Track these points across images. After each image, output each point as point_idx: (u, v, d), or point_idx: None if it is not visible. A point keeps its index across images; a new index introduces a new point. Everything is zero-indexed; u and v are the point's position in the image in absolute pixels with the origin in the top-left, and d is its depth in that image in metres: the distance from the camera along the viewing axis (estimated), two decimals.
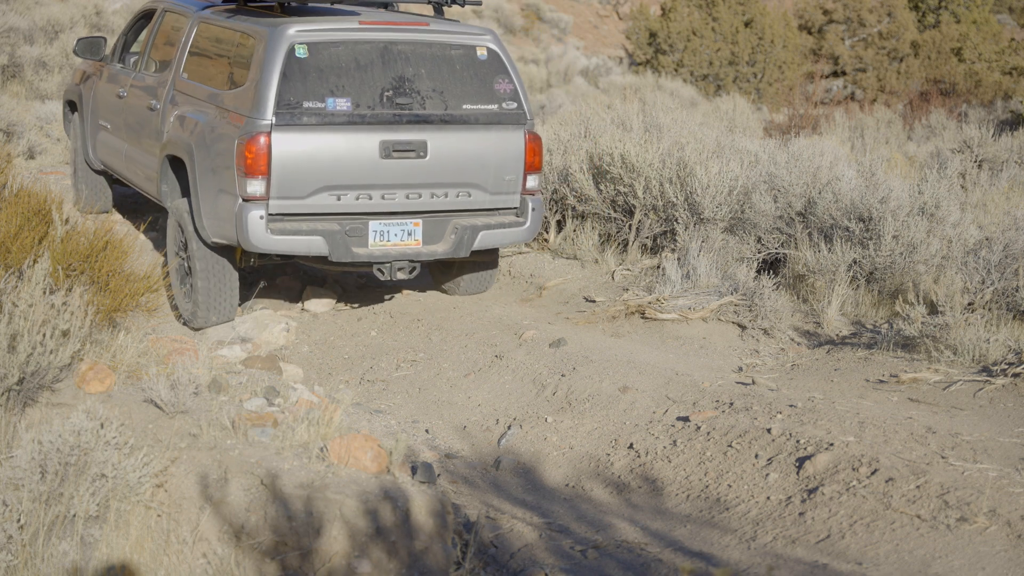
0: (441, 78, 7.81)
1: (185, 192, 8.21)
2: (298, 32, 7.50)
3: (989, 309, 7.93)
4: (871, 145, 14.59)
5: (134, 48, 9.85)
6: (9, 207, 5.89)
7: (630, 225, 9.63)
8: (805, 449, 5.89)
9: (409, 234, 7.83)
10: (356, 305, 8.87)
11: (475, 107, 7.87)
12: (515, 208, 8.17)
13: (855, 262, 8.72)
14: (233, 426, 4.98)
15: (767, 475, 5.81)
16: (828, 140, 13.90)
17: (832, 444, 5.85)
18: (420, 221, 7.85)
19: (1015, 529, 5.03)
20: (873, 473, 5.53)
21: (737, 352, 8.15)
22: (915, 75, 28.32)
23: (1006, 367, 7.01)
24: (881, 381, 7.20)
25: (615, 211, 9.70)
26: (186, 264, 8.10)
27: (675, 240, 9.29)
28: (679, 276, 8.64)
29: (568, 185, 9.81)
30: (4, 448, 4.52)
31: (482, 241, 7.99)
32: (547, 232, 9.97)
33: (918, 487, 5.38)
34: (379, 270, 7.83)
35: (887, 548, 5.03)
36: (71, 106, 10.75)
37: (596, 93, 23.35)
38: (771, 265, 9.27)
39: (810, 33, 31.36)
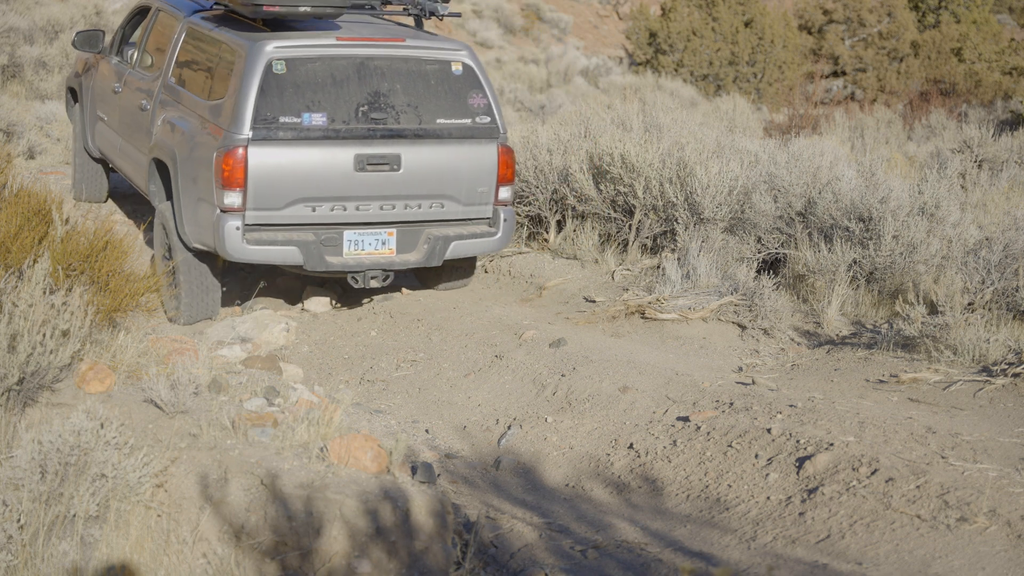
0: (416, 93, 8.00)
1: (169, 195, 8.39)
2: (276, 48, 7.71)
3: (989, 309, 7.93)
4: (871, 145, 14.59)
5: (132, 39, 9.98)
6: (9, 207, 5.89)
7: (630, 225, 9.63)
8: (805, 449, 5.89)
9: (383, 243, 8.05)
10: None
11: (449, 121, 8.07)
12: (488, 218, 8.37)
13: (855, 262, 8.72)
14: (233, 426, 4.98)
15: (767, 475, 5.81)
16: (828, 140, 13.89)
17: (832, 444, 5.85)
18: (394, 231, 8.06)
19: (1015, 529, 5.03)
20: (873, 473, 5.53)
21: (737, 352, 8.15)
22: (915, 75, 28.33)
23: (1006, 367, 7.01)
24: (881, 381, 7.20)
25: (615, 211, 9.70)
26: (171, 263, 8.26)
27: (675, 240, 9.29)
28: (679, 276, 8.64)
29: (568, 185, 9.81)
30: (4, 448, 4.52)
31: (454, 251, 8.21)
32: (547, 232, 9.97)
33: (918, 487, 5.38)
34: (353, 278, 8.03)
35: (887, 548, 5.03)
36: (72, 93, 10.95)
37: (596, 93, 23.36)
38: (771, 265, 9.27)
39: (810, 33, 31.35)
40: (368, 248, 8.01)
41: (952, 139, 16.47)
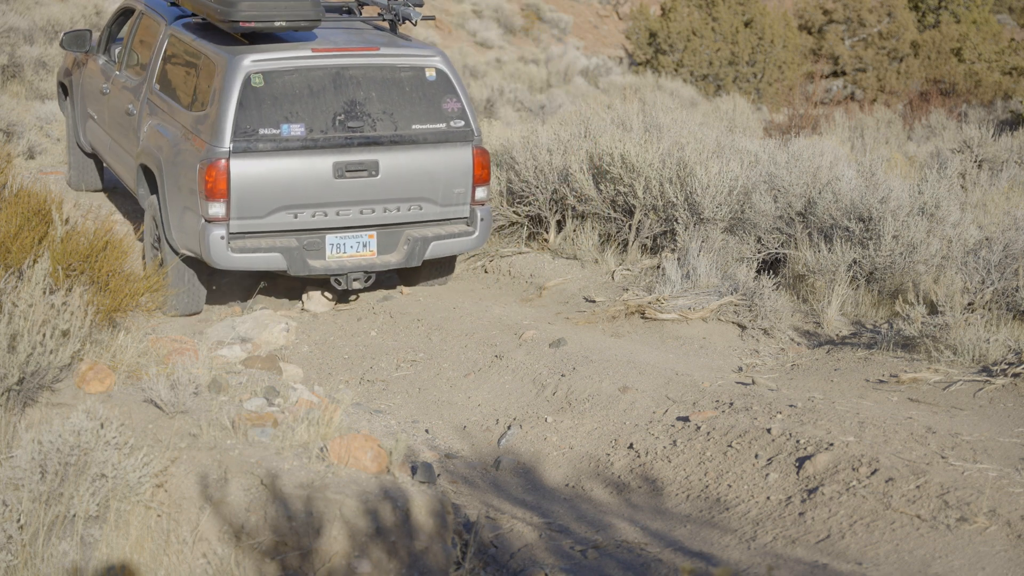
0: (391, 100, 8.24)
1: (156, 191, 8.61)
2: (253, 62, 7.94)
3: (989, 309, 7.93)
4: (871, 145, 14.58)
5: (120, 36, 10.17)
6: (9, 207, 5.88)
7: (630, 225, 9.63)
8: (805, 449, 5.89)
9: (364, 246, 8.30)
10: (357, 298, 8.88)
11: (424, 126, 8.31)
12: (465, 218, 8.59)
13: (855, 262, 8.72)
14: (233, 426, 4.98)
15: (767, 475, 5.81)
16: (828, 140, 13.89)
17: (832, 444, 5.85)
18: (375, 233, 8.31)
19: (1015, 529, 5.03)
20: (873, 473, 5.53)
21: (737, 352, 8.15)
22: (915, 75, 28.32)
23: (1006, 367, 7.01)
24: (881, 381, 7.20)
25: (615, 211, 9.70)
26: (159, 255, 8.51)
27: (675, 240, 9.29)
28: (679, 276, 8.64)
29: (568, 185, 9.81)
30: (4, 448, 4.52)
31: (433, 251, 8.45)
32: (547, 232, 9.97)
33: (918, 487, 5.38)
34: (336, 281, 8.28)
35: (887, 548, 5.03)
36: (63, 88, 11.20)
37: (596, 93, 23.36)
38: (771, 265, 9.27)
39: (810, 33, 31.35)
40: (350, 251, 8.26)
41: (952, 139, 16.47)
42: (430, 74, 8.38)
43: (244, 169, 7.85)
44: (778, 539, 5.25)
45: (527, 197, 9.97)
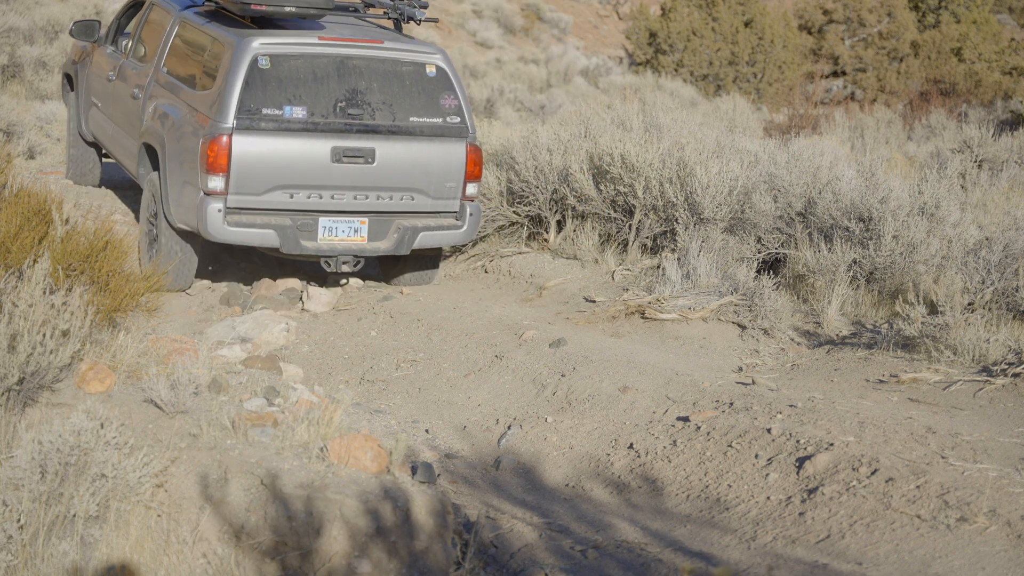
0: (391, 92, 8.49)
1: (156, 168, 8.86)
2: (262, 45, 8.19)
3: (989, 309, 7.92)
4: (871, 145, 14.58)
5: (127, 29, 10.49)
6: (9, 207, 5.88)
7: (630, 225, 9.63)
8: (805, 449, 5.89)
9: (355, 231, 8.53)
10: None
11: (421, 120, 8.55)
12: (455, 212, 8.81)
13: (855, 262, 8.72)
14: (233, 426, 4.98)
15: (767, 475, 5.81)
16: (828, 140, 13.89)
17: (832, 444, 5.85)
18: (366, 219, 8.55)
19: (1015, 529, 5.03)
20: (873, 473, 5.53)
21: (737, 352, 8.15)
22: (915, 75, 28.32)
23: (1006, 367, 7.01)
24: (881, 381, 7.20)
25: (615, 211, 9.70)
26: (154, 231, 8.80)
27: (675, 240, 9.29)
28: (679, 276, 8.64)
29: (568, 185, 9.81)
30: (4, 448, 4.52)
31: (422, 241, 8.67)
32: (547, 232, 9.97)
33: (918, 487, 5.38)
34: (326, 262, 8.55)
35: (887, 548, 5.03)
36: (68, 80, 11.43)
37: (596, 93, 23.36)
38: (771, 265, 9.27)
39: (810, 33, 31.35)
40: (341, 235, 8.49)
41: (952, 139, 16.47)
42: (431, 70, 8.58)
43: (245, 146, 8.09)
44: (778, 539, 5.25)
45: (527, 197, 9.97)
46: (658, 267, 9.18)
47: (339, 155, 8.30)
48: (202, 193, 8.12)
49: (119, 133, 9.75)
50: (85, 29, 10.47)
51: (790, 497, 5.59)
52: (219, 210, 8.11)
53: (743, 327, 8.40)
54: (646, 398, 6.96)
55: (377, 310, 8.73)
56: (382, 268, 9.52)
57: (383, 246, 8.58)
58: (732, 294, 8.46)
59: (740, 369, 7.79)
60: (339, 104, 8.31)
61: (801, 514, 5.42)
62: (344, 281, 9.21)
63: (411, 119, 8.49)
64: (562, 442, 6.69)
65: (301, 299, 8.89)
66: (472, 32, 30.44)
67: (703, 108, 20.79)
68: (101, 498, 4.31)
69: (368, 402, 7.43)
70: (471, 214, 8.80)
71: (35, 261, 5.34)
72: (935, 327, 7.49)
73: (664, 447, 6.34)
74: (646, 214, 9.51)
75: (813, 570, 4.88)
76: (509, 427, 6.97)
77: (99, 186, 11.23)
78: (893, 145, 17.07)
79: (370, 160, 8.38)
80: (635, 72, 27.91)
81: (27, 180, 7.81)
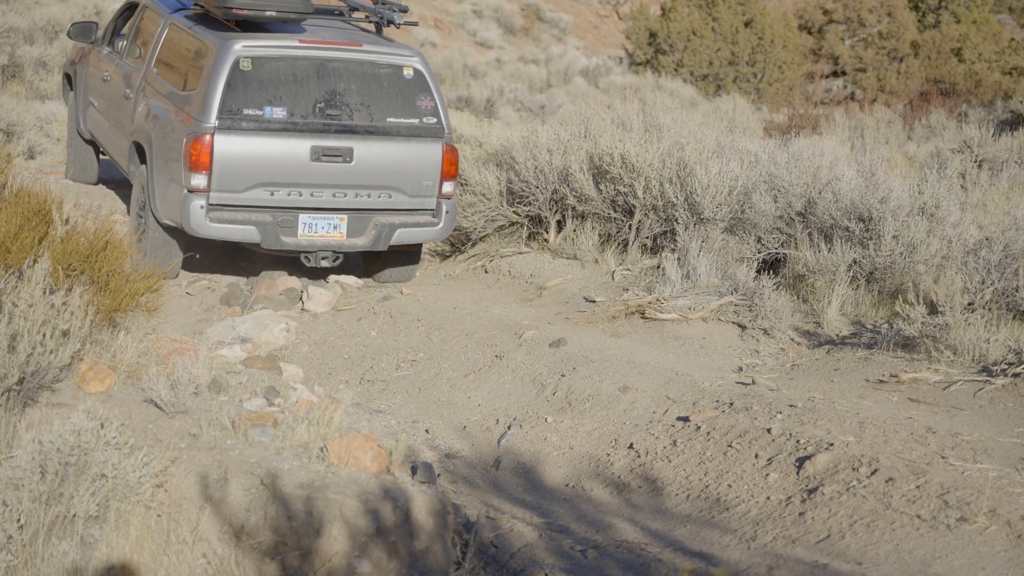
0: (369, 93, 8.78)
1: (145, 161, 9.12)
2: (244, 47, 8.49)
3: (989, 309, 7.92)
4: (871, 145, 14.58)
5: (123, 31, 10.73)
6: (9, 207, 5.88)
7: (630, 225, 9.62)
8: (805, 449, 5.89)
9: (335, 227, 8.82)
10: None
11: (398, 120, 8.84)
12: (431, 210, 9.08)
13: (855, 262, 8.72)
14: (233, 426, 4.98)
15: (767, 475, 5.81)
16: (828, 140, 13.89)
17: (832, 444, 5.85)
18: (345, 216, 8.83)
19: (1015, 529, 5.03)
20: (873, 473, 5.53)
21: (737, 352, 8.15)
22: (915, 75, 28.32)
23: (1006, 367, 7.01)
24: (881, 381, 7.20)
25: (615, 211, 9.70)
26: (143, 223, 9.11)
27: (675, 240, 9.29)
28: (679, 276, 8.64)
29: (568, 185, 9.81)
30: (4, 448, 4.52)
31: (399, 237, 8.95)
32: (547, 232, 9.97)
33: (918, 487, 5.38)
34: (306, 257, 8.83)
35: (887, 548, 5.03)
36: (68, 79, 11.77)
37: (596, 93, 23.36)
38: (771, 265, 9.27)
39: (810, 33, 31.35)
40: (321, 231, 8.77)
41: (952, 139, 16.47)
42: (408, 72, 8.88)
43: (227, 145, 8.38)
44: (778, 539, 5.25)
45: (527, 197, 9.97)
46: (658, 267, 9.18)
47: (318, 154, 8.57)
48: (185, 190, 8.39)
49: (113, 132, 10.03)
50: (82, 30, 10.71)
51: (790, 497, 5.59)
52: (201, 207, 8.39)
53: (743, 327, 8.40)
54: (646, 398, 6.96)
55: (377, 310, 8.73)
56: (365, 264, 9.74)
57: (361, 242, 8.85)
58: (732, 294, 8.46)
59: (740, 369, 7.79)
60: (318, 105, 8.59)
61: (801, 514, 5.42)
62: (332, 278, 9.35)
63: (388, 119, 8.77)
64: (562, 442, 6.69)
65: (301, 299, 8.90)
66: (472, 32, 30.45)
67: (703, 108, 20.79)
68: (101, 498, 4.31)
69: (368, 402, 7.43)
70: (447, 212, 9.06)
71: (35, 261, 5.34)
72: (935, 327, 7.49)
73: (664, 447, 6.34)
74: (646, 214, 9.51)
75: (813, 570, 4.88)
76: (509, 427, 6.97)
77: (96, 183, 11.48)
78: (893, 145, 17.07)
79: (348, 159, 8.65)
80: (635, 72, 27.91)
81: (27, 180, 7.82)
